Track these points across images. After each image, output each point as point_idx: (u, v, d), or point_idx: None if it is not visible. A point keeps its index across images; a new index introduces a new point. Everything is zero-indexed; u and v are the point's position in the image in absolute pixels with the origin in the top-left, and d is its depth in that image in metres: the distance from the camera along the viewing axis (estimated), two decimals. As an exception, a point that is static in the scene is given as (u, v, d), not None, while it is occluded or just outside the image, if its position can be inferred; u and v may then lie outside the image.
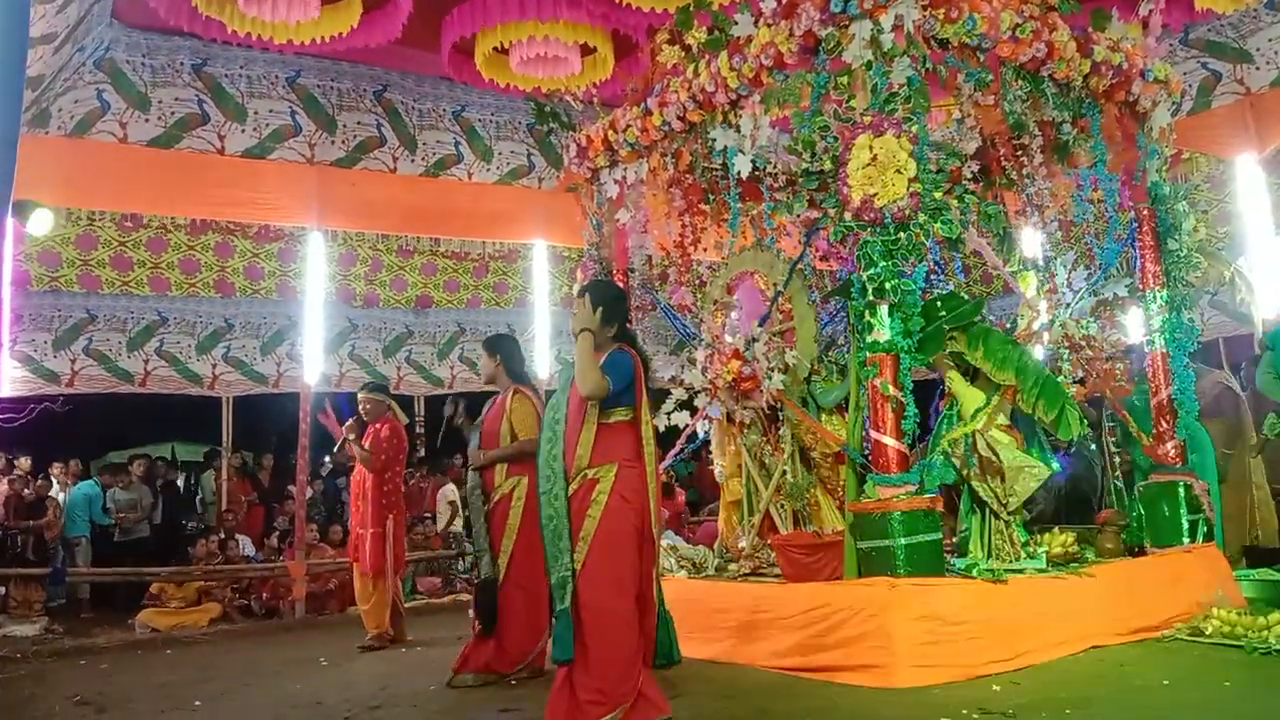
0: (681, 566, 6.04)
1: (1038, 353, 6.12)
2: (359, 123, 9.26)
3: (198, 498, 11.82)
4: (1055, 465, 5.77)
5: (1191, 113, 8.16)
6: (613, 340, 4.13)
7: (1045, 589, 4.96)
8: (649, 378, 4.14)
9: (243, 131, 8.73)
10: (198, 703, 5.01)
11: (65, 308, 10.01)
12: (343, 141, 9.18)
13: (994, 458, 5.42)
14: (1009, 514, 5.45)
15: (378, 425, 6.87)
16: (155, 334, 10.46)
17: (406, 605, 8.48)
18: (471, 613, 5.26)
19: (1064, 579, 5.07)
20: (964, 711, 3.77)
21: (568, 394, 4.10)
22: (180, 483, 12.15)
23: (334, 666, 6.03)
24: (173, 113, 8.42)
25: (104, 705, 5.05)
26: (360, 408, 6.98)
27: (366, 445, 6.76)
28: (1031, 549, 5.45)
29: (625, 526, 3.88)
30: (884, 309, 4.73)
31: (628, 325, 4.28)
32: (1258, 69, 8.06)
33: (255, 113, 8.79)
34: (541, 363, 10.84)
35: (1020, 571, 5.12)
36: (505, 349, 5.57)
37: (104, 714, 4.88)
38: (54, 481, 10.10)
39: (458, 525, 10.69)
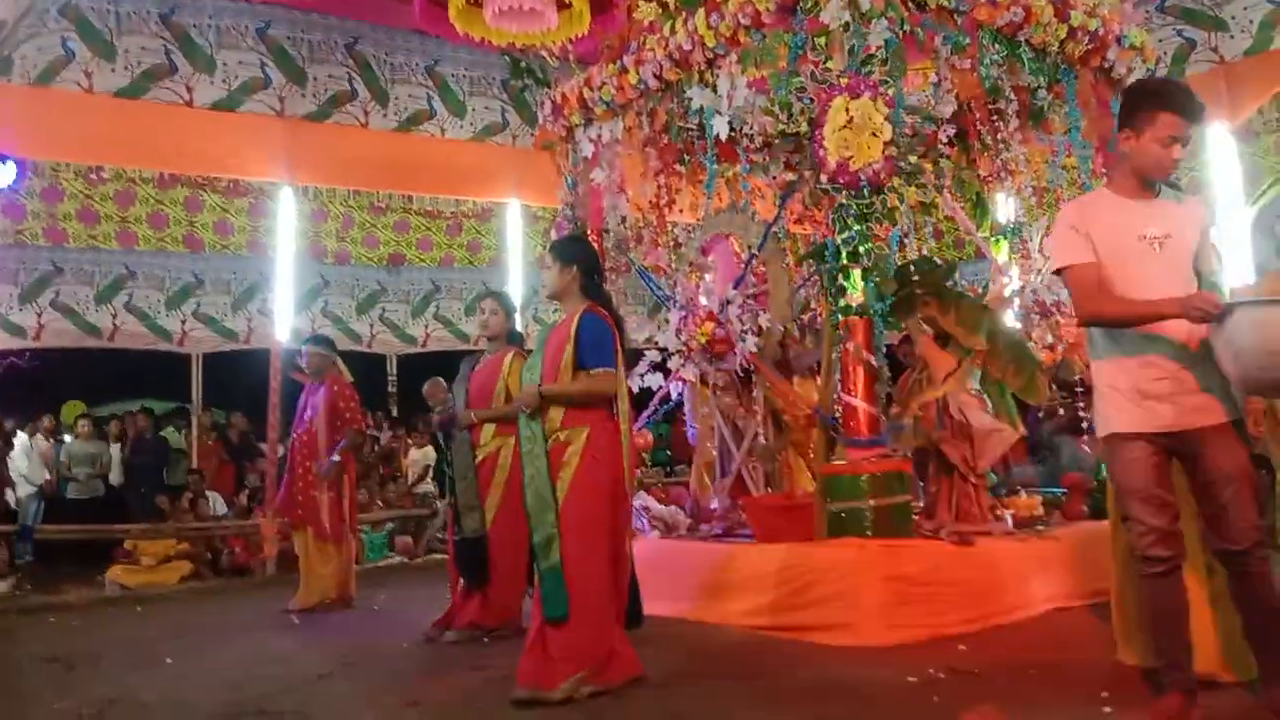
0: (654, 527, 6.09)
1: (1009, 318, 6.16)
2: (330, 75, 9.08)
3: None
4: (1022, 428, 5.84)
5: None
6: (583, 295, 4.12)
7: (1011, 551, 5.05)
8: (623, 338, 4.13)
9: (211, 83, 8.53)
10: (169, 660, 4.99)
11: (31, 260, 9.83)
12: (313, 95, 9.00)
13: (964, 421, 5.48)
14: (977, 477, 5.52)
15: (331, 384, 6.52)
16: (123, 288, 10.30)
17: (380, 564, 8.54)
18: (459, 569, 5.27)
19: (1029, 542, 5.16)
20: (931, 670, 3.84)
21: (542, 355, 4.11)
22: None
23: (306, 624, 6.04)
24: (139, 63, 8.21)
25: (74, 662, 5.03)
26: (305, 362, 6.68)
27: (323, 407, 6.49)
28: (998, 512, 5.52)
29: (598, 487, 3.89)
30: (857, 273, 4.75)
31: (599, 282, 4.23)
32: (1232, 37, 8.06)
33: (224, 64, 8.58)
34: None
35: (987, 534, 5.20)
36: (508, 306, 5.64)
37: (74, 671, 4.86)
38: (15, 442, 9.89)
39: (427, 486, 10.62)
